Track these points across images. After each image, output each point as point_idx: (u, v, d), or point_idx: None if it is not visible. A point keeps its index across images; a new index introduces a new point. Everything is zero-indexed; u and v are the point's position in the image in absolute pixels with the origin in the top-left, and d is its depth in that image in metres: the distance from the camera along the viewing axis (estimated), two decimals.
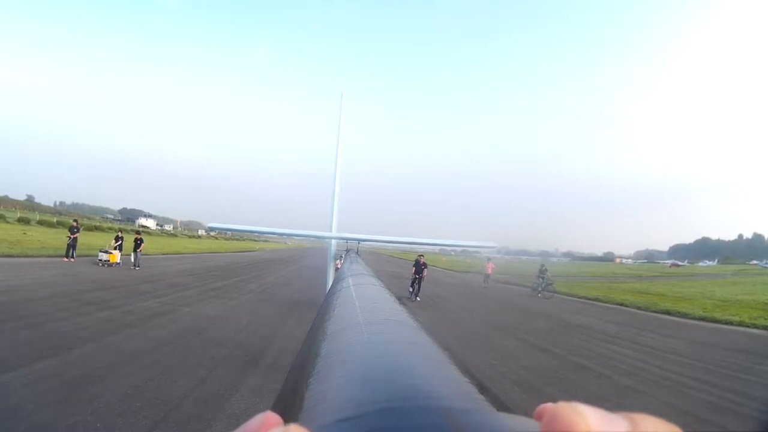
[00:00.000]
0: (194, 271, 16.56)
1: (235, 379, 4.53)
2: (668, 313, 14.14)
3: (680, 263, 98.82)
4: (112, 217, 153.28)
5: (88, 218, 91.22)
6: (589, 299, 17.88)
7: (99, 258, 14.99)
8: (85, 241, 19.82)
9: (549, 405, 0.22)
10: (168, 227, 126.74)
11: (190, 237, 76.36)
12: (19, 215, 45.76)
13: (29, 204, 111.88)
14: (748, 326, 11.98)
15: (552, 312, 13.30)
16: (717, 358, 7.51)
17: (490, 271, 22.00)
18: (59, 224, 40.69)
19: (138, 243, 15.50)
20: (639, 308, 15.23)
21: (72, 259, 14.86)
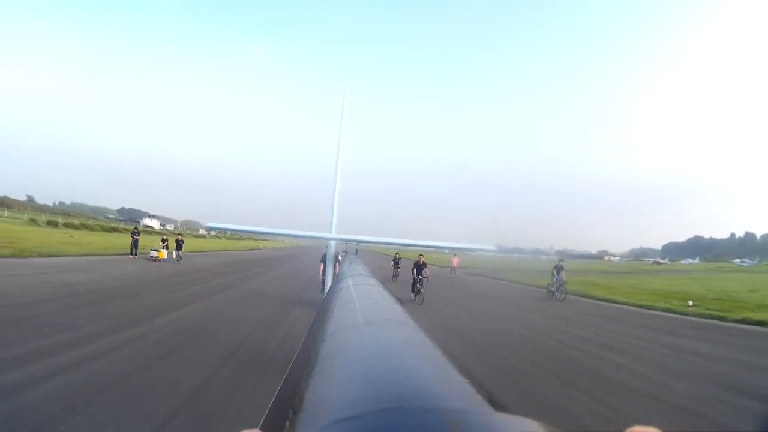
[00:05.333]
0: (224, 264, 21.04)
1: (286, 310, 9.04)
2: (589, 296, 18.67)
3: (661, 261, 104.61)
4: (113, 216, 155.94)
5: (94, 219, 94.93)
6: (541, 287, 22.39)
7: (150, 255, 19.33)
8: (101, 241, 24.16)
9: None
10: (169, 227, 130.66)
11: (195, 237, 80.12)
12: (47, 219, 49.62)
13: (32, 205, 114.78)
14: (635, 306, 16.45)
15: (491, 291, 17.90)
16: (589, 322, 11.93)
17: (455, 264, 26.50)
18: (83, 227, 44.71)
19: (180, 243, 19.91)
20: (572, 294, 19.80)
21: (135, 256, 19.26)
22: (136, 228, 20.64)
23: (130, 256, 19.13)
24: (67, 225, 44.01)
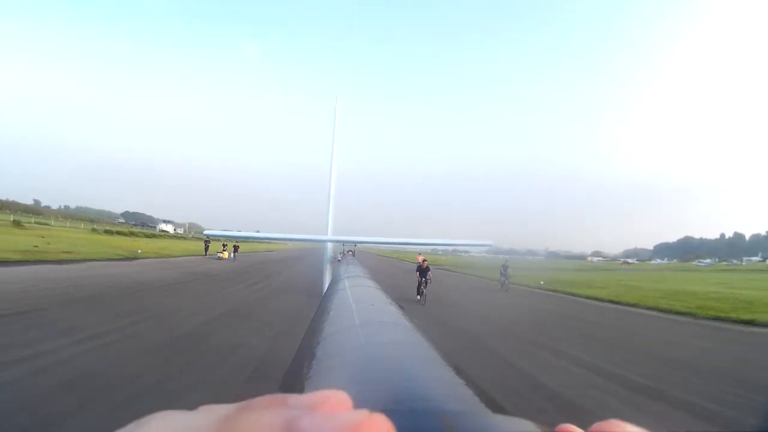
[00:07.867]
0: (266, 260, 31.25)
1: (312, 287, 19.32)
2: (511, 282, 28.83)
3: (630, 261, 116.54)
4: (123, 221, 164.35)
5: (109, 223, 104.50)
6: (489, 278, 32.55)
7: (217, 255, 29.42)
8: (175, 246, 34.29)
9: (573, 427, 0.21)
10: (179, 230, 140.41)
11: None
12: (93, 227, 59.15)
13: (58, 212, 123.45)
14: (530, 287, 26.49)
15: (446, 280, 28.26)
16: (472, 285, 22.30)
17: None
18: (131, 234, 54.25)
19: (236, 248, 30.23)
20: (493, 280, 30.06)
21: (207, 256, 29.43)
22: (207, 237, 30.94)
23: (205, 256, 29.36)
24: (118, 233, 53.73)
